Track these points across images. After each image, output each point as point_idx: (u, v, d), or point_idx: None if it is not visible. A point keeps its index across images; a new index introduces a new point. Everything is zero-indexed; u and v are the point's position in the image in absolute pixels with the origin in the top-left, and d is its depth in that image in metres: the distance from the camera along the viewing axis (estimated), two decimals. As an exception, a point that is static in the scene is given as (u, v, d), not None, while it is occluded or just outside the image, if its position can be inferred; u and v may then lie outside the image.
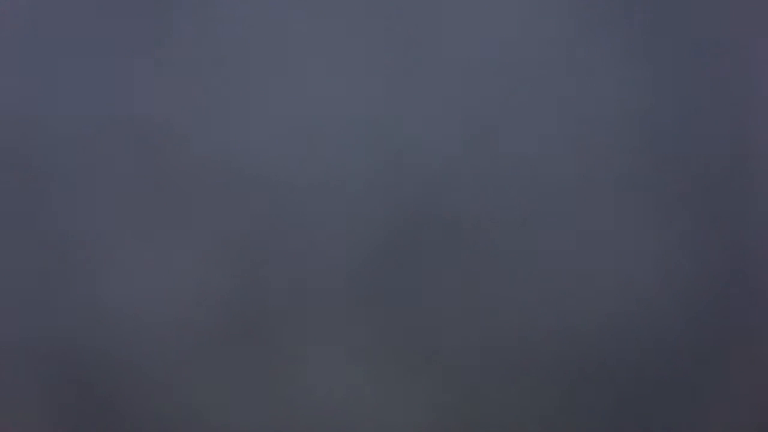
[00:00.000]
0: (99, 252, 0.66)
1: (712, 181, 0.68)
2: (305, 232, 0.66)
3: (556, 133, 0.67)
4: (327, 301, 0.66)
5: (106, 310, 0.66)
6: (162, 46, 0.67)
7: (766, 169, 0.68)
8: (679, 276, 0.67)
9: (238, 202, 0.66)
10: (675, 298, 0.67)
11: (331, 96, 0.67)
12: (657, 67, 0.68)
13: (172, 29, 0.67)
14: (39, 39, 0.67)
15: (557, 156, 0.67)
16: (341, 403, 0.66)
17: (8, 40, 0.67)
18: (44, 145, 0.67)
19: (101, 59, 0.67)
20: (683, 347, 0.67)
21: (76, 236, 0.66)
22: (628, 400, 0.67)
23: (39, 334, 0.66)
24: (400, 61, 0.67)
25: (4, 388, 0.67)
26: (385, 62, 0.67)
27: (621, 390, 0.67)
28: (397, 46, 0.67)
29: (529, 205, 0.67)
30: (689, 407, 0.67)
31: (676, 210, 0.67)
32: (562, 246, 0.67)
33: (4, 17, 0.67)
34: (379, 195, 0.66)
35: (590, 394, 0.67)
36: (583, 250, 0.67)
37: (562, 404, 0.67)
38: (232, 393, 0.66)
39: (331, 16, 0.67)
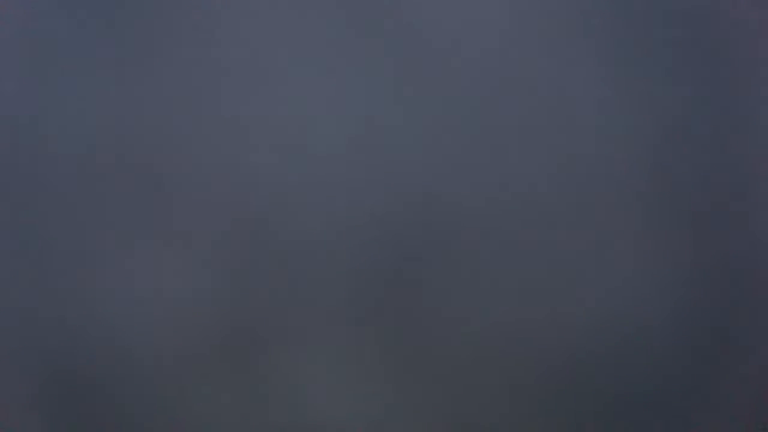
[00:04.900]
0: (97, 255, 0.66)
1: (710, 182, 0.68)
2: (303, 236, 0.66)
3: (552, 135, 0.67)
4: (324, 302, 0.66)
5: (104, 312, 0.66)
6: (157, 51, 0.67)
7: (764, 172, 0.68)
8: (676, 278, 0.67)
9: (234, 206, 0.66)
10: (672, 300, 0.67)
11: (326, 99, 0.67)
12: (654, 70, 0.68)
13: (166, 36, 0.67)
14: (37, 43, 0.67)
15: (553, 158, 0.67)
16: (338, 404, 0.66)
17: (7, 44, 0.67)
18: (42, 148, 0.67)
19: (98, 64, 0.67)
20: (681, 349, 0.67)
21: (75, 239, 0.67)
22: (625, 402, 0.67)
23: (37, 335, 0.67)
24: (393, 64, 0.67)
25: (3, 389, 0.67)
26: (378, 66, 0.67)
27: (618, 391, 0.67)
28: (389, 49, 0.67)
29: (526, 207, 0.67)
30: (687, 409, 0.67)
31: (673, 212, 0.67)
32: (559, 248, 0.67)
33: (3, 21, 0.67)
34: (374, 199, 0.66)
35: (589, 398, 0.67)
36: (580, 252, 0.67)
37: (560, 406, 0.67)
38: (229, 398, 0.66)
39: (324, 19, 0.67)
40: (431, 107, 0.67)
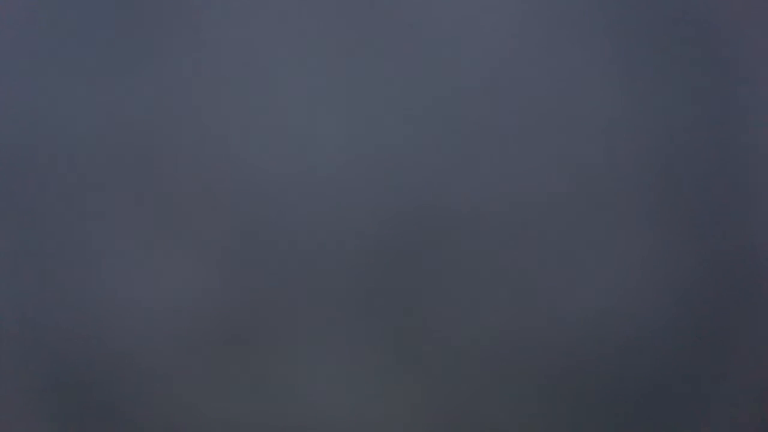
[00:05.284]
0: (97, 254, 0.66)
1: (710, 182, 0.68)
2: (302, 234, 0.66)
3: (553, 136, 0.67)
4: (324, 302, 0.66)
5: (104, 311, 0.66)
6: (158, 52, 0.67)
7: (764, 172, 0.68)
8: (676, 278, 0.67)
9: (235, 206, 0.66)
10: (672, 300, 0.67)
11: (327, 99, 0.67)
12: (655, 70, 0.68)
13: (167, 36, 0.67)
14: (38, 43, 0.67)
15: (554, 159, 0.67)
16: (338, 403, 0.66)
17: (7, 44, 0.67)
18: (43, 148, 0.67)
19: (99, 64, 0.67)
20: (681, 350, 0.67)
21: (74, 239, 0.66)
22: (626, 402, 0.67)
23: (38, 334, 0.67)
24: (394, 65, 0.67)
25: (3, 389, 0.67)
26: (379, 66, 0.67)
27: (618, 392, 0.67)
28: (390, 49, 0.67)
29: (527, 207, 0.67)
30: (687, 410, 0.67)
31: (673, 212, 0.67)
32: (560, 248, 0.67)
33: (3, 22, 0.67)
34: (375, 199, 0.66)
35: (589, 398, 0.67)
36: (580, 252, 0.67)
37: (560, 406, 0.67)
38: (229, 393, 0.66)
39: (325, 19, 0.67)
40: (432, 107, 0.67)
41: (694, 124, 0.68)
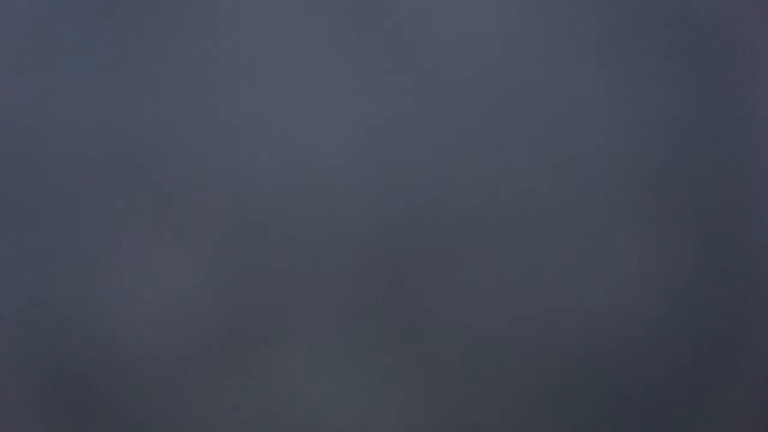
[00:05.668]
0: (97, 254, 0.66)
1: (710, 183, 0.68)
2: (303, 234, 0.66)
3: (554, 138, 0.67)
4: (324, 302, 0.66)
5: (104, 311, 0.66)
6: (157, 52, 0.67)
7: (764, 172, 0.68)
8: (676, 279, 0.67)
9: (234, 207, 0.66)
10: (672, 300, 0.67)
11: (327, 101, 0.67)
12: (655, 70, 0.68)
13: (165, 37, 0.67)
14: (38, 43, 0.67)
15: (554, 162, 0.67)
16: (338, 403, 0.66)
17: (7, 44, 0.67)
18: (43, 148, 0.67)
19: (98, 64, 0.67)
20: (681, 350, 0.67)
21: (75, 239, 0.66)
22: (626, 402, 0.67)
23: (38, 334, 0.67)
24: (394, 67, 0.67)
25: (3, 389, 0.67)
26: (378, 68, 0.67)
27: (619, 392, 0.67)
28: (389, 51, 0.67)
29: (527, 209, 0.67)
30: (688, 411, 0.67)
31: (673, 212, 0.67)
32: (560, 251, 0.67)
33: (3, 19, 0.67)
34: (374, 200, 0.66)
35: (590, 399, 0.67)
36: (581, 255, 0.67)
37: (561, 407, 0.67)
38: (229, 392, 0.66)
39: (326, 20, 0.67)
40: (433, 108, 0.67)
41: (694, 123, 0.68)
